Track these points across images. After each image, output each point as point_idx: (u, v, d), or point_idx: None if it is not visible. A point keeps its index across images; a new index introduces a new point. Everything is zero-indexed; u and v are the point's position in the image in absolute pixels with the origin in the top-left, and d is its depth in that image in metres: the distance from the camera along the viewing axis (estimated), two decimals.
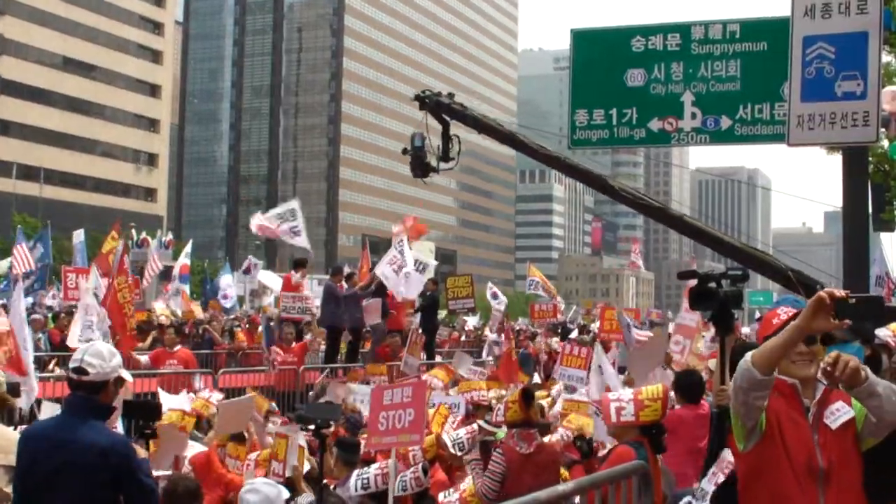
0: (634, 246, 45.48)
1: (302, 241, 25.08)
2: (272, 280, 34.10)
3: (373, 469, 10.52)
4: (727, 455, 7.77)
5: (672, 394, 12.30)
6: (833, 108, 12.30)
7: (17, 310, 14.78)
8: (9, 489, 8.22)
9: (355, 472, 10.66)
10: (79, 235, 35.82)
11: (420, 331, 24.31)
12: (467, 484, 10.52)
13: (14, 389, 12.74)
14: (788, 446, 6.36)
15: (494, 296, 43.01)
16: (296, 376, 22.35)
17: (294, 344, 23.17)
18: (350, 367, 22.75)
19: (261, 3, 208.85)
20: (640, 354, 15.89)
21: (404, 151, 20.75)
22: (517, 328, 42.86)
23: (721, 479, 7.62)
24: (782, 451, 6.36)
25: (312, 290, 32.06)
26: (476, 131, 20.90)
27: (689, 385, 11.40)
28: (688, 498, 8.20)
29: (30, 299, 32.38)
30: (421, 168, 20.57)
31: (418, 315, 27.96)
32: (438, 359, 27.35)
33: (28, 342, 14.73)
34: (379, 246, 35.37)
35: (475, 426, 11.47)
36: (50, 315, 29.80)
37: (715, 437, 7.80)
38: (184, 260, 34.48)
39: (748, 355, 6.16)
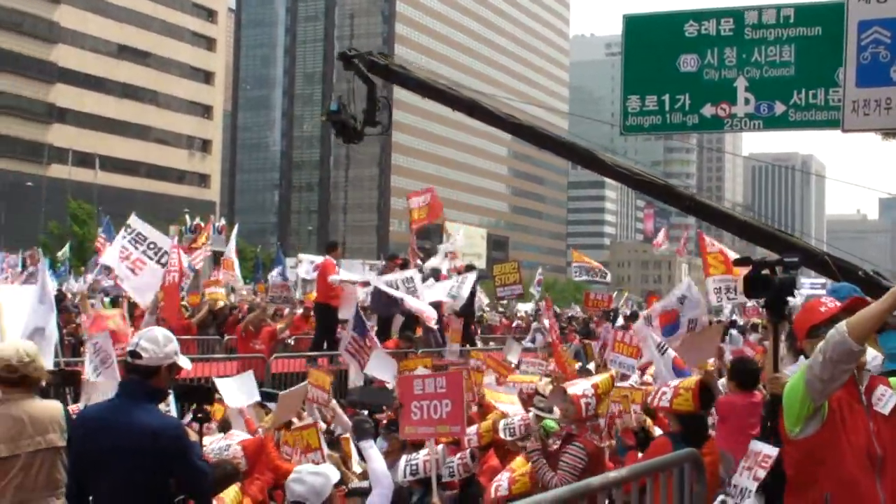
0: (684, 234, 45.51)
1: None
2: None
3: (422, 455, 10.49)
4: (761, 448, 7.69)
5: (724, 380, 12.25)
6: (888, 93, 12.19)
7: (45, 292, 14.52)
8: (60, 474, 8.29)
9: (404, 457, 10.65)
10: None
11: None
12: (519, 464, 10.46)
13: (72, 377, 12.81)
14: (849, 433, 6.33)
15: (539, 283, 43.08)
16: (264, 364, 21.05)
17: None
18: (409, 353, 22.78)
19: None
20: (693, 344, 15.73)
21: (327, 117, 19.53)
22: (568, 315, 42.81)
23: (761, 473, 7.56)
24: (844, 438, 6.33)
25: (365, 274, 32.08)
26: (420, 95, 19.65)
27: (743, 371, 11.31)
28: (721, 497, 8.15)
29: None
30: (343, 134, 19.37)
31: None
32: (491, 345, 27.31)
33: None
34: (430, 232, 35.36)
35: (531, 413, 11.38)
36: (108, 300, 30.03)
37: (769, 424, 7.75)
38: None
39: (842, 326, 6.08)
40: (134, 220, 20.78)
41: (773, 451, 7.51)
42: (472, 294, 27.98)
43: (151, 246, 20.05)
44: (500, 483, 10.30)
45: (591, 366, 19.81)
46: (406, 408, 10.07)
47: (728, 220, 17.21)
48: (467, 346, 24.20)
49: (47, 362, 12.73)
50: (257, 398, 13.25)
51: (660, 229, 49.33)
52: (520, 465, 10.47)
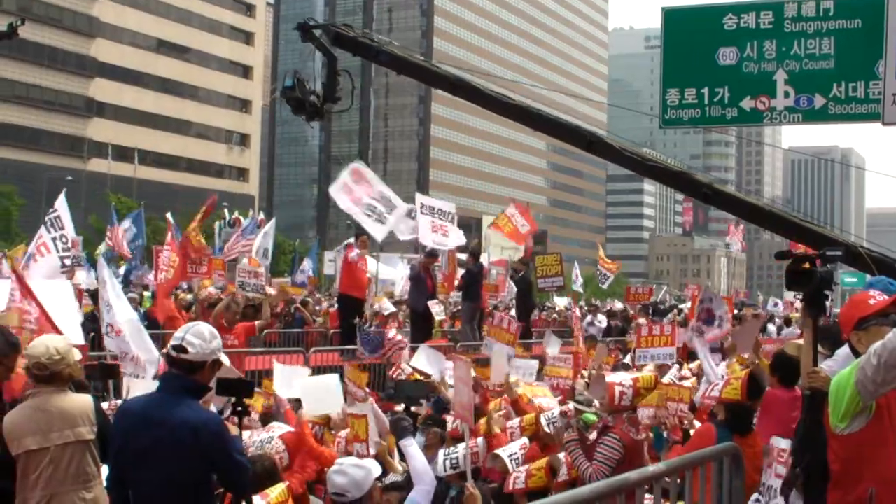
0: (730, 228, 44.94)
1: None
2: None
3: (461, 448, 10.51)
4: (777, 443, 7.69)
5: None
6: None
7: (107, 283, 14.66)
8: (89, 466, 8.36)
9: (442, 451, 10.67)
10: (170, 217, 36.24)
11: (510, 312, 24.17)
12: (541, 461, 10.47)
13: (112, 370, 12.88)
14: None
15: (577, 278, 43.14)
16: (239, 362, 18.73)
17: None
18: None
19: None
20: (743, 330, 15.75)
21: (281, 94, 17.85)
22: (607, 308, 42.76)
23: (780, 469, 7.56)
24: (890, 434, 6.30)
25: (403, 268, 32.07)
26: (396, 72, 18.18)
27: (785, 366, 11.26)
28: (755, 496, 8.16)
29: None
30: (301, 111, 17.80)
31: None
32: (533, 339, 27.34)
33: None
34: (470, 226, 35.28)
35: (571, 406, 11.39)
36: (149, 294, 30.14)
37: (807, 420, 7.72)
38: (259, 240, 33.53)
39: None
40: (60, 202, 20.14)
41: (786, 445, 7.51)
42: (529, 288, 27.97)
43: (63, 238, 19.31)
44: (518, 476, 10.28)
45: (628, 359, 19.80)
46: (456, 387, 10.15)
47: (752, 209, 16.80)
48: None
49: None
50: (297, 394, 13.30)
51: (736, 232, 48.36)
52: (538, 462, 10.49)
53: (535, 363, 16.40)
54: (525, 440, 11.09)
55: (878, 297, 6.88)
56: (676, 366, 15.46)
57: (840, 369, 6.89)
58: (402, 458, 10.71)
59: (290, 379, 13.42)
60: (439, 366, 15.38)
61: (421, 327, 24.37)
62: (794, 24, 15.63)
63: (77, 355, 8.75)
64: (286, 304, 30.24)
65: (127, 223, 34.49)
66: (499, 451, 10.72)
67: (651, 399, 11.03)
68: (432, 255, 25.47)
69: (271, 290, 25.68)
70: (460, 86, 17.34)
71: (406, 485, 9.97)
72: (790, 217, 16.51)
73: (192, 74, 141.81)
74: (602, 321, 32.76)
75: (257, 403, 13.11)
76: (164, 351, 10.12)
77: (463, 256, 29.32)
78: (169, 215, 29.03)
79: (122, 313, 13.99)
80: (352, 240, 25.40)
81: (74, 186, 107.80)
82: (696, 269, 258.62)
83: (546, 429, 11.30)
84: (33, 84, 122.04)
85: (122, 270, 33.58)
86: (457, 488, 10.09)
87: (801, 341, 10.08)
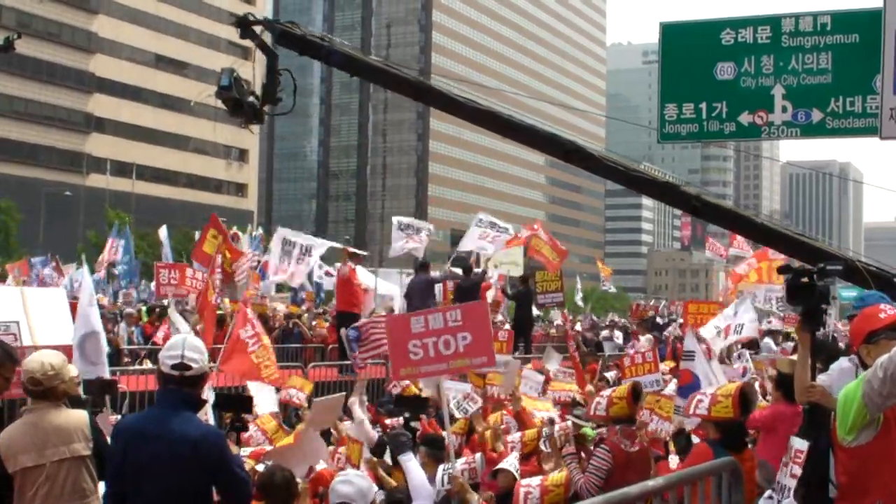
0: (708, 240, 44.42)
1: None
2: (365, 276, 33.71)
3: (459, 464, 10.50)
4: (795, 444, 7.68)
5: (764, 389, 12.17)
6: None
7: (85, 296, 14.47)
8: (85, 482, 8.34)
9: (441, 467, 10.66)
10: (162, 231, 36.31)
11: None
12: (555, 474, 10.43)
13: (110, 386, 12.85)
14: None
15: (577, 292, 43.32)
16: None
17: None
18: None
19: (349, 0, 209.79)
20: None
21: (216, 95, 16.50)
22: (606, 323, 42.83)
23: (797, 470, 7.55)
24: None
25: (401, 283, 32.03)
26: (350, 74, 16.94)
27: (789, 382, 11.22)
28: (768, 492, 8.15)
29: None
30: (239, 113, 16.76)
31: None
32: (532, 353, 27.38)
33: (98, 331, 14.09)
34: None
35: (568, 422, 11.41)
36: (145, 309, 30.12)
37: (806, 434, 7.71)
38: (267, 257, 33.62)
39: None
40: None
41: (804, 446, 7.50)
42: (530, 301, 27.97)
43: None
44: (531, 491, 10.17)
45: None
46: (399, 348, 9.84)
47: (744, 222, 16.67)
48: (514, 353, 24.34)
49: (103, 369, 12.73)
50: (274, 409, 13.35)
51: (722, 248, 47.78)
52: (556, 473, 10.43)
53: (541, 377, 16.44)
54: (474, 457, 11.05)
55: (888, 311, 6.91)
56: (674, 380, 15.48)
57: (834, 383, 6.90)
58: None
59: (265, 396, 13.46)
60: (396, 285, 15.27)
61: None
62: (791, 38, 15.64)
63: (73, 371, 8.73)
64: (285, 320, 30.23)
65: (121, 241, 34.78)
66: (502, 465, 10.70)
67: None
68: (424, 266, 25.63)
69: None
70: (425, 90, 16.68)
71: (404, 499, 9.97)
72: (783, 230, 16.45)
73: (190, 89, 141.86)
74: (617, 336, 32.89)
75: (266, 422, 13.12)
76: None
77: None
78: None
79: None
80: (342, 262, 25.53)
81: (73, 202, 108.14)
82: (695, 283, 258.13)
83: (542, 447, 11.34)
84: (32, 99, 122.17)
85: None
86: (457, 502, 10.08)
87: (794, 357, 10.08)
